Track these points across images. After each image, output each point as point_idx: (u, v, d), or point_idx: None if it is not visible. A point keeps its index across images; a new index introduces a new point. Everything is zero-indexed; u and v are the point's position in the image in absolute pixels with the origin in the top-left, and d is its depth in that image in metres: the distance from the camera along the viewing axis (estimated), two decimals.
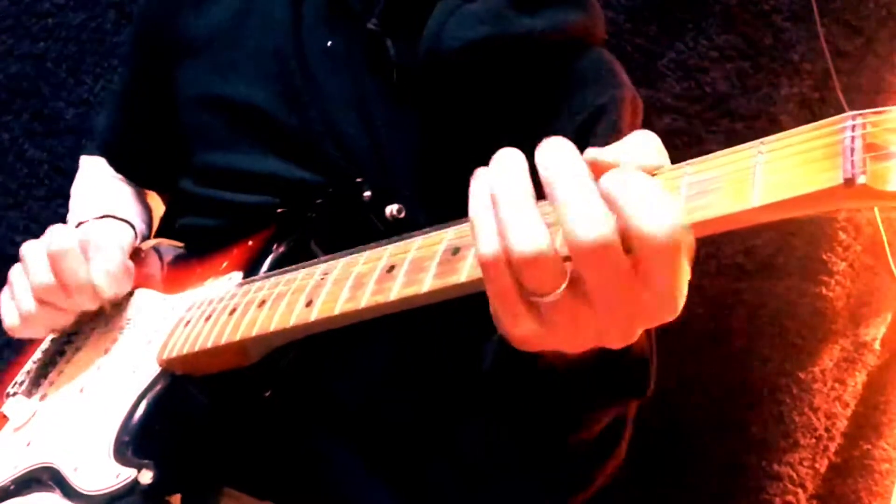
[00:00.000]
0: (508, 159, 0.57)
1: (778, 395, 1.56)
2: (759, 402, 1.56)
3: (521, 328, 0.57)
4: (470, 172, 0.59)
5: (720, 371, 1.57)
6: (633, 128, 1.01)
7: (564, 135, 0.61)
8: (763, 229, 1.51)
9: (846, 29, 1.49)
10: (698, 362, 1.57)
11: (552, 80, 1.00)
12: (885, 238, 1.50)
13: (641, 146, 0.59)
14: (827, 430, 1.56)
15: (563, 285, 0.54)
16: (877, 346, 1.56)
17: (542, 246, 0.53)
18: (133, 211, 1.22)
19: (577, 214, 0.52)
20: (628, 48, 1.53)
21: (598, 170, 0.56)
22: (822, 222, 1.52)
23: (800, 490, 1.57)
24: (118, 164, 1.25)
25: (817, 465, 1.57)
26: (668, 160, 0.59)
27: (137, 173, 1.25)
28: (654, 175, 0.57)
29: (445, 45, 0.97)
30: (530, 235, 0.53)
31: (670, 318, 0.56)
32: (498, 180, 0.56)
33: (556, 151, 0.55)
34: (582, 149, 0.60)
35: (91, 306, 1.00)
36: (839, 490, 1.59)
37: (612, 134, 0.97)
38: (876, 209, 1.49)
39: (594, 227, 0.52)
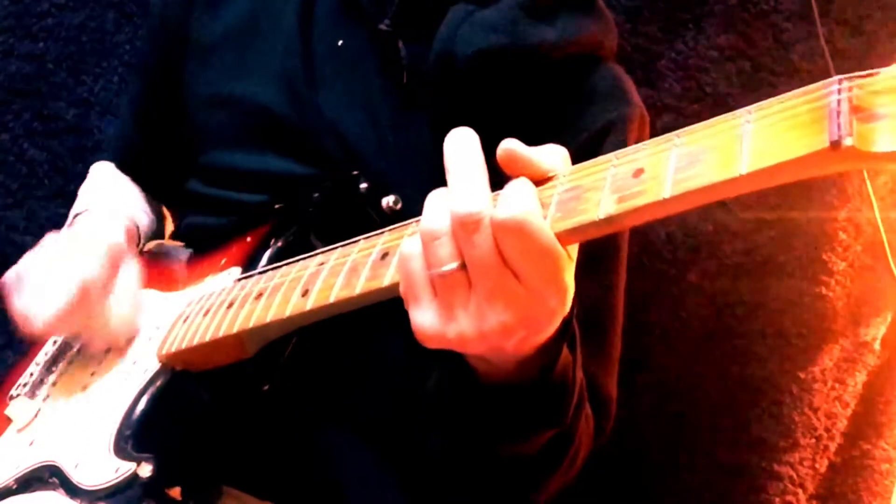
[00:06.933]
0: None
1: (778, 395, 1.55)
2: (758, 401, 1.56)
3: (423, 313, 0.64)
4: None
5: (720, 371, 1.57)
6: None
7: (569, 148, 0.65)
8: (763, 228, 1.51)
9: (846, 29, 1.49)
10: (698, 362, 1.57)
11: (563, 93, 1.00)
12: (885, 238, 1.50)
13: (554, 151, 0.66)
14: (827, 430, 1.56)
15: (457, 262, 0.61)
16: (877, 346, 1.56)
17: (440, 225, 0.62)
18: (138, 206, 1.22)
19: (460, 187, 0.61)
20: (628, 48, 1.53)
21: (514, 161, 0.63)
22: (822, 222, 1.51)
23: (800, 490, 1.56)
24: (130, 172, 1.25)
25: (817, 465, 1.57)
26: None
27: (147, 181, 1.25)
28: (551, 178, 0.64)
29: (457, 51, 0.97)
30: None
31: (545, 322, 0.63)
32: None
33: (460, 136, 0.65)
34: None
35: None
36: (839, 490, 1.58)
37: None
38: (876, 209, 1.49)
39: (471, 201, 0.60)
